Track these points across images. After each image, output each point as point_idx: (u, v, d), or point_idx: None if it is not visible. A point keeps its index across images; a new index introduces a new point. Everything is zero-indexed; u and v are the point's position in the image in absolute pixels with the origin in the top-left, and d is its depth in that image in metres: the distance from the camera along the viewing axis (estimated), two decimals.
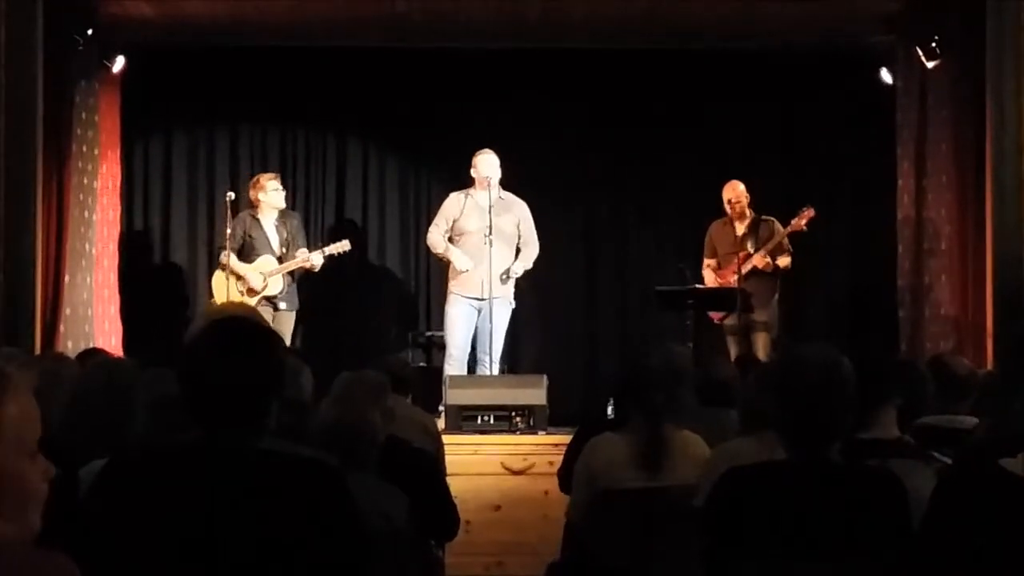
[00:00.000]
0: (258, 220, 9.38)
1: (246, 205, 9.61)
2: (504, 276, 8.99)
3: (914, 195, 9.01)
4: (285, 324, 9.21)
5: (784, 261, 9.23)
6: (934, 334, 8.68)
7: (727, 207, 9.33)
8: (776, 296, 9.32)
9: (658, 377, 4.64)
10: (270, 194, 9.38)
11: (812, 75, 10.30)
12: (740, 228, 9.33)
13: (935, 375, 5.19)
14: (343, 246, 9.43)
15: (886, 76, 9.44)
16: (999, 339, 7.70)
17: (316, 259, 9.34)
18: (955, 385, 5.19)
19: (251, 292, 9.24)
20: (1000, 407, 3.85)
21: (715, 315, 9.33)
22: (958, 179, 8.47)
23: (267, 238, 9.36)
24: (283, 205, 9.50)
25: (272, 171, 10.08)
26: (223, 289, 9.17)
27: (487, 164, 9.08)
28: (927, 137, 8.91)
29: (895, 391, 3.76)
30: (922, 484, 3.18)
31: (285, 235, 9.40)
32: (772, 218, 9.29)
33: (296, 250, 9.37)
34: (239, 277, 9.23)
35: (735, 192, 9.32)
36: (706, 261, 9.42)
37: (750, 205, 9.33)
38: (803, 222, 9.16)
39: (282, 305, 9.31)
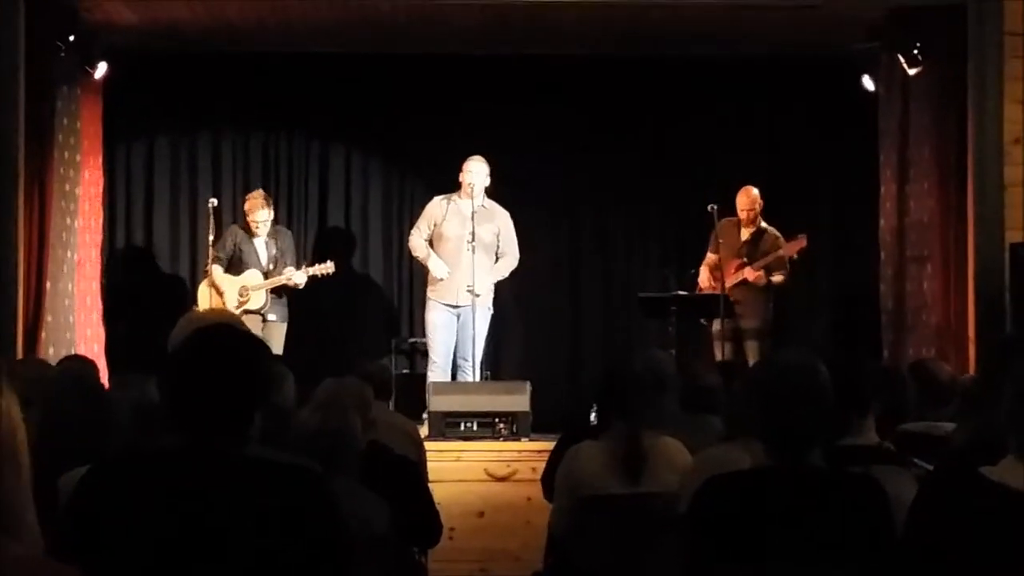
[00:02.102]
0: (249, 234, 9.43)
1: (240, 216, 9.64)
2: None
3: (896, 201, 9.01)
4: (275, 335, 9.23)
5: (778, 278, 9.31)
6: (917, 340, 8.68)
7: (739, 213, 9.40)
8: (770, 305, 9.36)
9: (638, 383, 4.63)
10: (257, 213, 9.39)
11: (795, 82, 10.31)
12: (745, 233, 9.40)
13: (918, 381, 5.21)
14: (327, 268, 9.42)
15: (868, 83, 9.45)
16: (981, 345, 7.71)
17: (299, 278, 9.36)
18: (938, 391, 5.21)
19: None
20: (981, 413, 3.87)
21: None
22: (940, 185, 8.48)
23: (256, 253, 9.40)
24: (268, 225, 9.47)
25: (254, 177, 10.10)
26: (207, 300, 9.21)
27: (472, 171, 9.09)
28: (909, 144, 8.91)
29: (876, 397, 3.77)
30: (903, 491, 3.19)
31: (275, 251, 9.45)
32: (777, 233, 9.33)
33: (284, 267, 9.38)
34: (220, 292, 9.27)
35: (747, 199, 9.39)
36: (709, 256, 9.43)
37: (761, 212, 9.40)
38: (794, 251, 9.23)
39: (271, 316, 9.34)
